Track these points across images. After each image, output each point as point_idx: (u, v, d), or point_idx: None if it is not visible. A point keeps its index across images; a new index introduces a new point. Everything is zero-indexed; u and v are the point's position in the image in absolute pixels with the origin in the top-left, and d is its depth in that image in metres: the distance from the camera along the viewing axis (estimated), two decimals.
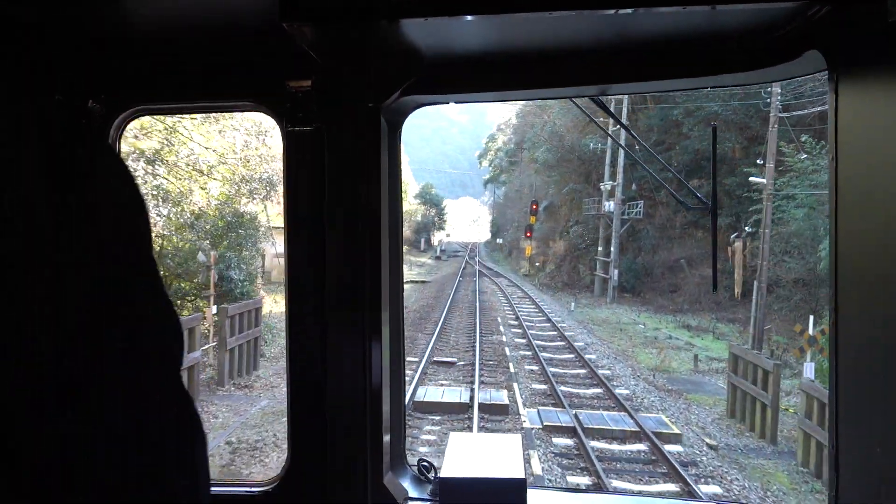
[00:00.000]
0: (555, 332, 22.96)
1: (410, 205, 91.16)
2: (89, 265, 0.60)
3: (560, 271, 46.78)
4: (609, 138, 39.10)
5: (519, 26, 1.65)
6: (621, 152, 38.50)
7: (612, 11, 1.45)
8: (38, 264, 0.56)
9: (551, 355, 18.92)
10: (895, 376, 1.27)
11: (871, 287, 1.36)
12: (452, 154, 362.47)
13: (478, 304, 29.56)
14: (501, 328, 23.14)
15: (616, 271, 38.30)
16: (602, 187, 40.89)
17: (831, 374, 1.48)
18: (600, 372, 16.91)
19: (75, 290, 0.58)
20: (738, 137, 39.22)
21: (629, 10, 1.44)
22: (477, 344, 19.60)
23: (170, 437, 0.64)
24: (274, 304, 28.64)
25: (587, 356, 18.93)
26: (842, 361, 1.45)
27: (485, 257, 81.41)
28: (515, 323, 25.03)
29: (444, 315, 25.43)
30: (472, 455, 1.94)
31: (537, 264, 53.36)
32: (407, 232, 75.74)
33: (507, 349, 19.26)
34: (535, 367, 17.38)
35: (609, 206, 39.56)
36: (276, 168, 31.22)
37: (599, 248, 41.56)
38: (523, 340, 21.17)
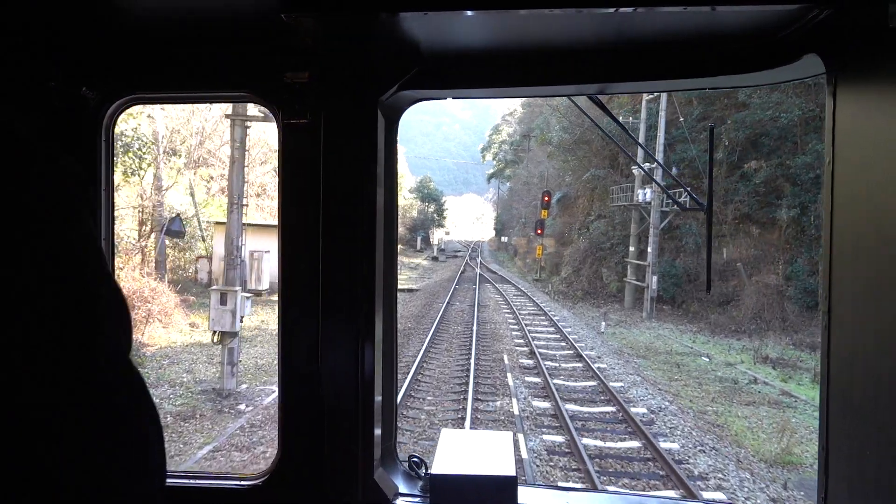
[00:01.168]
0: (593, 382, 14.58)
1: (405, 199, 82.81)
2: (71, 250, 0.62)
3: (579, 276, 38.34)
4: (642, 123, 30.60)
5: (519, 23, 1.64)
6: (661, 126, 30.24)
7: (612, 10, 1.44)
8: (27, 251, 0.56)
9: (599, 442, 10.56)
10: (886, 382, 1.29)
11: (865, 292, 1.36)
12: (455, 150, 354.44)
13: (475, 329, 21.13)
14: (510, 380, 14.68)
15: (654, 278, 29.88)
16: (635, 172, 32.40)
17: (822, 378, 1.48)
18: (709, 496, 8.53)
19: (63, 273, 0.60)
20: (805, 104, 30.40)
21: (629, 9, 1.44)
22: (467, 425, 11.14)
23: (120, 431, 0.64)
24: (189, 333, 20.34)
25: (664, 443, 10.53)
26: (833, 365, 1.45)
27: (488, 258, 72.73)
28: (530, 363, 16.64)
29: (422, 353, 17.01)
30: (463, 452, 1.93)
31: (546, 266, 44.86)
32: (401, 230, 67.28)
33: (521, 438, 10.75)
34: (579, 479, 8.97)
35: (645, 194, 31.15)
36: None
37: (630, 248, 33.08)
38: (546, 405, 12.78)
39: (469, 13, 1.48)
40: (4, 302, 0.53)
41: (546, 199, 42.17)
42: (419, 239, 77.62)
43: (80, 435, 0.58)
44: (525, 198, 61.57)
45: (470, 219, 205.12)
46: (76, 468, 0.57)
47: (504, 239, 71.20)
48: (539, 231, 42.82)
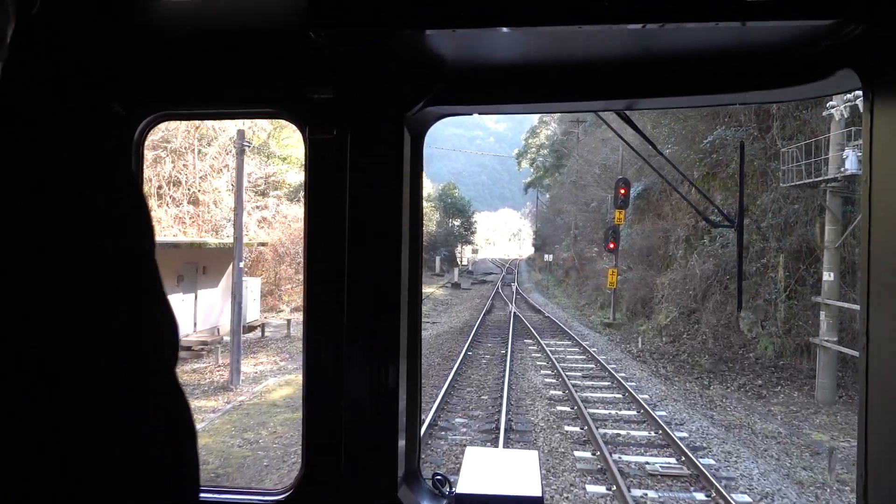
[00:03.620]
0: None
1: None
2: (92, 262, 0.62)
3: (691, 323, 21.42)
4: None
5: (546, 39, 1.65)
6: None
7: (640, 26, 1.44)
8: (50, 262, 0.58)
9: None
10: None
11: None
12: (490, 164, 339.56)
13: None
14: None
15: None
16: (836, 112, 15.46)
17: (861, 392, 1.47)
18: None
19: (79, 283, 0.60)
20: None
21: (656, 26, 1.44)
22: None
23: (160, 437, 0.65)
24: None
25: None
26: (872, 384, 1.44)
27: (527, 282, 55.74)
28: None
29: None
30: (488, 471, 1.90)
31: (623, 300, 27.94)
32: None
33: None
34: None
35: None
36: None
37: (826, 276, 16.05)
38: None
39: (497, 30, 1.50)
40: (21, 303, 0.54)
41: (622, 191, 25.54)
42: (438, 260, 60.87)
43: (115, 444, 0.58)
44: (579, 199, 44.77)
45: (506, 235, 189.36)
46: (107, 479, 0.57)
47: (548, 257, 54.14)
48: (611, 245, 26.08)
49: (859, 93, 1.50)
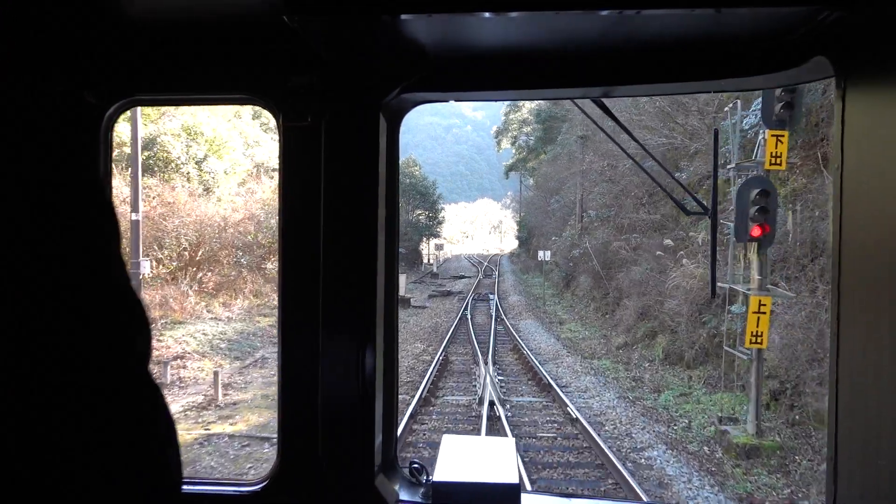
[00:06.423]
0: None
1: None
2: (50, 256, 0.61)
3: None
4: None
5: (522, 25, 1.66)
6: None
7: (617, 12, 1.45)
8: (47, 261, 0.59)
9: None
10: None
11: (876, 298, 1.36)
12: (468, 154, 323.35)
13: None
14: None
15: None
16: None
17: (831, 386, 1.47)
18: None
19: (39, 282, 0.60)
20: None
21: (633, 12, 1.45)
22: None
23: (137, 434, 0.66)
24: None
25: None
26: (843, 373, 1.45)
27: (513, 296, 38.47)
28: None
29: None
30: (465, 459, 1.94)
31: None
32: None
33: None
34: None
35: None
36: None
37: None
38: None
39: (472, 15, 1.50)
40: (14, 304, 0.54)
41: None
42: None
43: (97, 438, 0.59)
44: (596, 155, 28.23)
45: (486, 227, 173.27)
46: (92, 470, 0.58)
47: (543, 255, 37.30)
48: (757, 230, 9.48)
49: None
